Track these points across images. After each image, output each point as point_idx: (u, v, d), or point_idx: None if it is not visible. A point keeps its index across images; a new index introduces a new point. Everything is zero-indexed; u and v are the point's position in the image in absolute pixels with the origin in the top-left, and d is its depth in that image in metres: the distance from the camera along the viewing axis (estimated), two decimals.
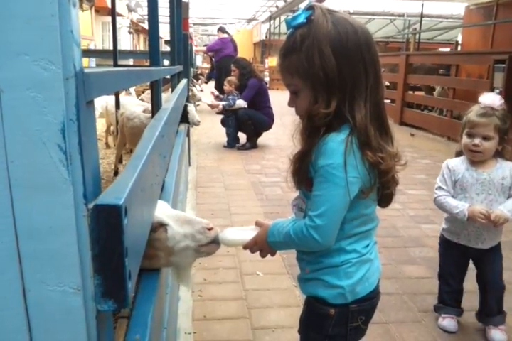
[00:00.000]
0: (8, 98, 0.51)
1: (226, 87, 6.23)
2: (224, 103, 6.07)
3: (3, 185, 0.53)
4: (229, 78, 6.29)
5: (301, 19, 1.01)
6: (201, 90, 7.36)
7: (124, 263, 0.59)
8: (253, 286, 2.42)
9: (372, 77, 1.02)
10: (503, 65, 5.38)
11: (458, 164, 1.98)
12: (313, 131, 1.07)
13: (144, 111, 4.13)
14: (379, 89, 1.05)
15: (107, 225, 0.57)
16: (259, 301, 2.27)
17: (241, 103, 6.08)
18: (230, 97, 6.12)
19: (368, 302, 1.15)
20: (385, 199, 1.14)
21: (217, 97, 6.63)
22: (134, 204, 0.66)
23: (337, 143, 0.99)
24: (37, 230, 0.54)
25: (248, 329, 2.03)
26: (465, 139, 1.92)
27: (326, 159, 0.99)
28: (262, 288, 2.41)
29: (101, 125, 6.32)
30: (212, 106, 6.27)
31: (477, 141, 1.87)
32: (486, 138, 1.86)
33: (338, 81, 0.99)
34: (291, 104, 1.10)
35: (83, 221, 0.56)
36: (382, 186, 1.08)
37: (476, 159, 1.93)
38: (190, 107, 3.79)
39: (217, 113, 6.81)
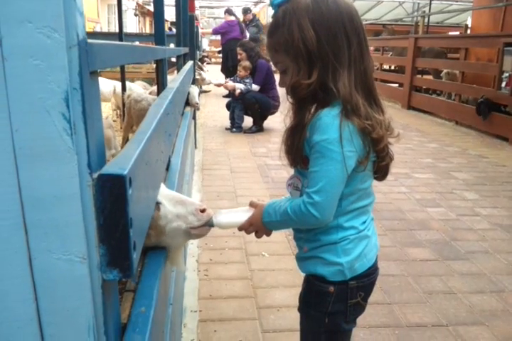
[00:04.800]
0: (11, 66, 0.50)
1: (242, 72, 6.14)
2: (242, 87, 6.01)
3: (9, 154, 0.53)
4: (244, 63, 6.19)
5: None
6: (207, 70, 7.32)
7: (128, 233, 0.59)
8: (258, 266, 2.44)
9: (355, 47, 1.02)
10: None
11: None
12: (300, 105, 1.07)
13: (150, 93, 4.13)
14: (363, 58, 1.04)
15: (111, 195, 0.57)
16: (264, 281, 2.29)
17: (255, 88, 6.07)
18: (247, 81, 6.07)
19: (367, 279, 1.15)
20: (381, 171, 1.13)
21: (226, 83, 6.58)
22: (138, 175, 0.66)
23: (331, 117, 0.99)
24: (42, 199, 0.54)
25: (253, 308, 2.05)
26: None
27: (321, 134, 0.98)
28: (267, 268, 2.43)
29: (107, 108, 6.33)
30: (227, 88, 6.18)
31: None
32: None
33: (318, 52, 1.00)
34: (281, 84, 1.10)
35: (88, 190, 0.56)
36: (377, 158, 1.07)
37: None
38: (193, 89, 3.76)
39: (224, 96, 6.74)
